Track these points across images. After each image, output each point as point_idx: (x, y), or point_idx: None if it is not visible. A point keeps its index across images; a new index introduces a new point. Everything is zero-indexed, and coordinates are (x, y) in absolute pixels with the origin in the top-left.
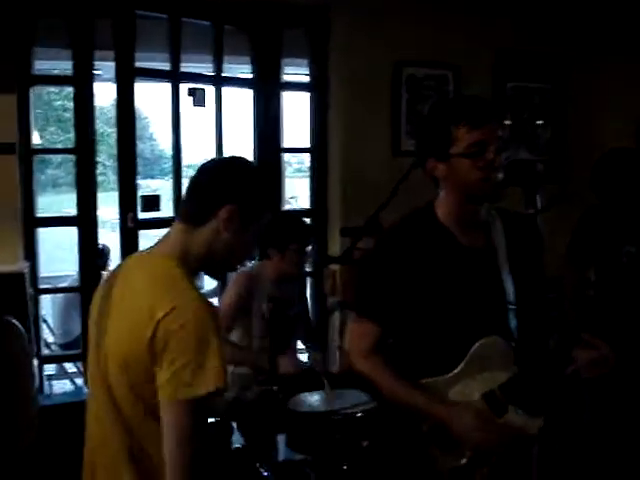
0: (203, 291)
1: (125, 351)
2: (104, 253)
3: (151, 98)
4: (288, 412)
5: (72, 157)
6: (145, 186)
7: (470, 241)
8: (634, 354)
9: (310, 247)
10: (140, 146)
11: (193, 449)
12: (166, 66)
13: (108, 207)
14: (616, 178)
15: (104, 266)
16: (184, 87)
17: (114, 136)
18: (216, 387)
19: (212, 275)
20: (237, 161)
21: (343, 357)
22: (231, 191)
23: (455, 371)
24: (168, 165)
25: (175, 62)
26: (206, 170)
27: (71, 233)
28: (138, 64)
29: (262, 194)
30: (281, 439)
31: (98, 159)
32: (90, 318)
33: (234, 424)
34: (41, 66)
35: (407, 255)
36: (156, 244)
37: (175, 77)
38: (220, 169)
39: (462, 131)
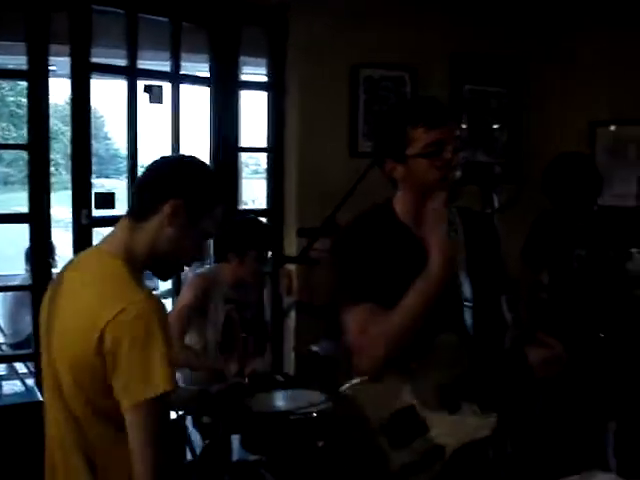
0: (158, 292)
1: (72, 353)
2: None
3: (107, 97)
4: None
5: (24, 155)
6: (99, 185)
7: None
8: (585, 356)
9: (269, 253)
10: (95, 145)
11: (160, 448)
12: (122, 63)
13: (61, 206)
14: (566, 182)
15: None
16: (141, 84)
17: (68, 134)
18: (167, 388)
19: (159, 275)
20: (184, 157)
21: (359, 358)
22: (176, 185)
23: (410, 366)
24: (123, 165)
25: (132, 58)
26: (152, 167)
27: (21, 232)
28: (94, 60)
29: (210, 188)
30: (235, 439)
31: (52, 157)
32: (40, 318)
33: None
34: None
35: (367, 247)
36: (102, 241)
37: (132, 73)
38: (166, 165)
39: (419, 132)
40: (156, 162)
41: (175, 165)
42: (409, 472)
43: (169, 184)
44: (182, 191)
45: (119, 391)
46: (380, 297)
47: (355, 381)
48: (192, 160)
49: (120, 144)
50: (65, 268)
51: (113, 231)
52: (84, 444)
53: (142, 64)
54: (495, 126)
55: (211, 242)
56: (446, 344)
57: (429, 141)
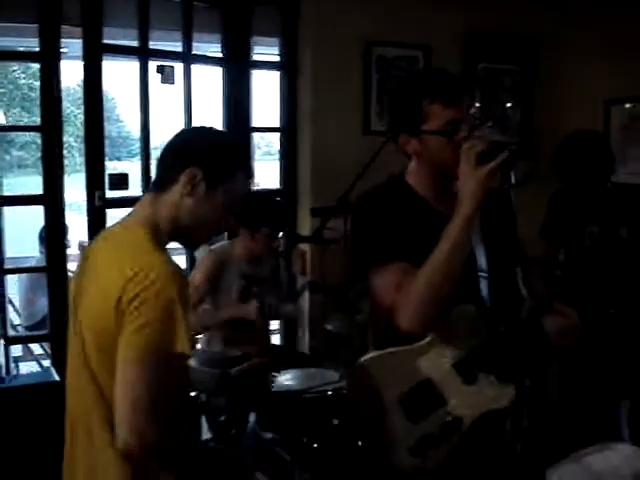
0: None
1: (96, 317)
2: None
3: (118, 79)
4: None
5: (37, 139)
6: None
7: (445, 209)
8: (595, 333)
9: (282, 231)
10: (107, 127)
11: (147, 415)
12: (134, 44)
13: (74, 189)
14: (578, 160)
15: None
16: (153, 65)
17: (81, 117)
18: (176, 350)
19: (186, 245)
20: (201, 127)
21: (400, 316)
22: (191, 154)
23: (426, 339)
24: (135, 147)
25: (144, 39)
26: (173, 138)
27: (35, 214)
28: (106, 41)
29: (227, 154)
30: (251, 418)
31: (65, 140)
32: (69, 291)
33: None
34: (5, 43)
35: (389, 213)
36: (126, 215)
37: (144, 54)
38: (183, 135)
39: (436, 108)
40: (177, 133)
41: (191, 135)
42: (427, 445)
43: (185, 153)
44: (198, 159)
45: (121, 344)
46: (409, 258)
47: (370, 355)
48: (208, 129)
49: (132, 126)
50: (92, 243)
51: (137, 205)
52: (107, 412)
53: (154, 44)
54: (509, 104)
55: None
56: (464, 315)
57: (446, 120)
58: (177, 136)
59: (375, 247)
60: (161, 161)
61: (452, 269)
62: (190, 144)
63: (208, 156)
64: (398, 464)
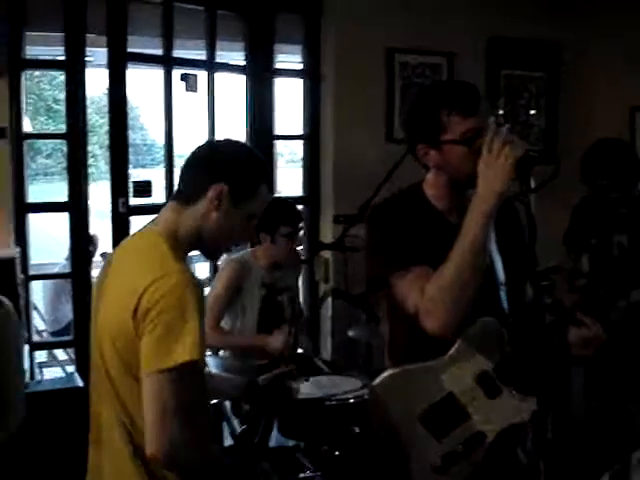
0: None
1: (113, 325)
2: (93, 241)
3: (142, 88)
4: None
5: (62, 147)
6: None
7: (459, 221)
8: (624, 343)
9: (301, 232)
10: (131, 135)
11: (178, 422)
12: (158, 52)
13: (99, 197)
14: (605, 168)
15: (93, 254)
16: (176, 73)
17: (105, 126)
18: (187, 359)
19: (207, 255)
20: (228, 141)
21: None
22: (220, 169)
23: (448, 354)
24: (159, 155)
25: (168, 47)
26: (198, 151)
27: (61, 222)
28: (130, 50)
29: (252, 170)
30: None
31: (89, 149)
32: (92, 296)
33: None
34: (32, 52)
35: (406, 220)
36: (149, 223)
37: (168, 62)
38: (209, 149)
39: (455, 118)
40: (202, 146)
41: (218, 150)
42: (451, 461)
43: (212, 169)
44: (225, 176)
45: (142, 357)
46: (429, 264)
47: (391, 372)
48: (234, 143)
49: (155, 134)
50: (114, 251)
51: (160, 213)
52: (127, 418)
53: (178, 53)
54: (532, 112)
55: None
56: (486, 328)
57: (465, 129)
58: (203, 149)
59: (396, 252)
60: (186, 174)
61: (474, 264)
62: (217, 160)
63: (235, 172)
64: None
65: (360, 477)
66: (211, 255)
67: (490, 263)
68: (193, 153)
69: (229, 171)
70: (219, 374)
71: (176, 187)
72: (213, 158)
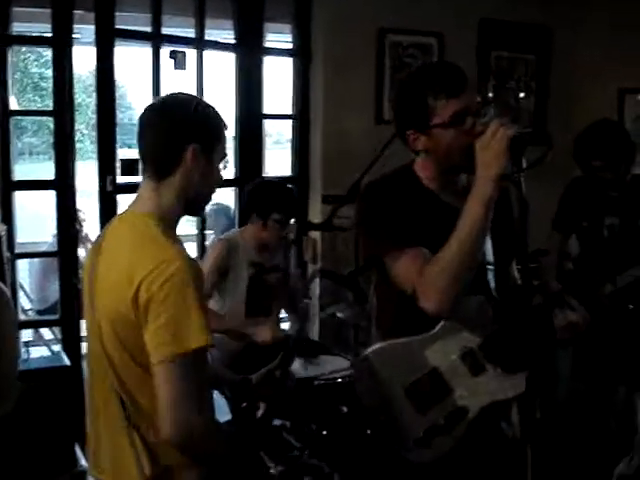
0: None
1: (113, 308)
2: (79, 220)
3: (130, 67)
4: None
5: (49, 125)
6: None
7: (454, 201)
8: (613, 327)
9: (293, 219)
10: (119, 115)
11: (189, 406)
12: (147, 29)
13: (86, 176)
14: (599, 150)
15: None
16: (165, 51)
17: (92, 106)
18: (199, 344)
19: (192, 214)
20: (171, 100)
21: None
22: (185, 132)
23: (434, 330)
24: None
25: (156, 24)
26: (149, 120)
27: (48, 200)
28: (118, 26)
29: (211, 118)
30: (261, 406)
31: (76, 128)
32: (83, 281)
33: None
34: (18, 28)
35: (401, 201)
36: (131, 204)
37: (156, 39)
38: (162, 114)
39: (442, 102)
40: (151, 114)
41: (171, 113)
42: (432, 435)
43: (176, 135)
44: (192, 135)
45: (150, 346)
46: (424, 244)
47: (377, 346)
48: (180, 100)
49: None
50: (103, 232)
51: (139, 193)
52: (124, 394)
53: (166, 30)
54: (522, 94)
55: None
56: (474, 306)
57: (452, 111)
58: (159, 115)
59: (391, 232)
60: (150, 145)
61: (474, 247)
62: (177, 123)
63: (199, 128)
64: (405, 453)
65: (348, 456)
66: (196, 212)
67: None
68: (146, 124)
69: (194, 129)
70: (213, 367)
71: (143, 162)
72: (173, 123)
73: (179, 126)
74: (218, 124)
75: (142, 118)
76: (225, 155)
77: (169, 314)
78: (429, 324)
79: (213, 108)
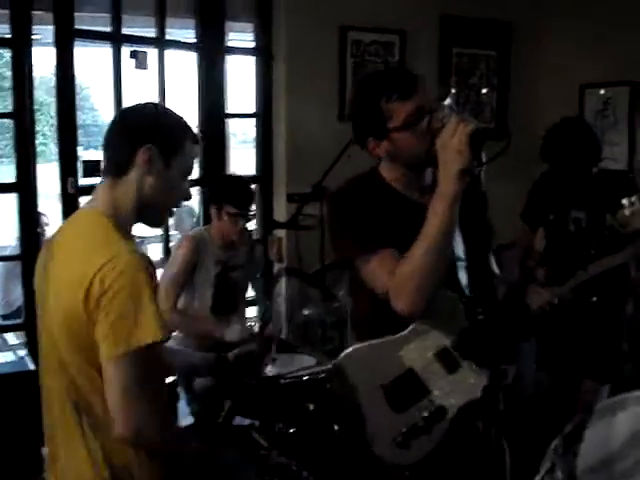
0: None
1: (65, 306)
2: (41, 224)
3: (92, 69)
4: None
5: (10, 126)
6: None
7: (421, 200)
8: (576, 319)
9: (250, 213)
10: (82, 117)
11: (141, 404)
12: (107, 29)
13: (48, 178)
14: (566, 148)
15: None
16: (126, 51)
17: (54, 106)
18: (153, 339)
19: (151, 224)
20: (140, 105)
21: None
22: (142, 132)
23: (408, 329)
24: None
25: (116, 24)
26: (114, 123)
27: (10, 204)
28: (78, 27)
29: (174, 126)
30: (227, 404)
31: (38, 129)
32: (35, 281)
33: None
34: None
35: (369, 204)
36: (86, 204)
37: (116, 39)
38: (126, 116)
39: (395, 105)
40: (115, 118)
41: (134, 115)
42: (412, 436)
43: (134, 134)
44: (149, 137)
45: (100, 342)
46: (394, 245)
47: (353, 347)
48: (148, 106)
49: (107, 116)
50: (55, 233)
51: (94, 193)
52: (78, 398)
53: (127, 30)
54: (484, 90)
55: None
56: (445, 303)
57: (407, 113)
58: (118, 119)
59: (361, 235)
60: (110, 145)
61: (443, 246)
62: (138, 124)
63: (158, 131)
64: (381, 455)
65: (315, 455)
66: (156, 222)
67: None
68: (110, 127)
69: (152, 131)
70: (186, 350)
71: (102, 163)
72: (132, 124)
73: (136, 126)
74: (180, 132)
75: (113, 119)
76: (189, 170)
77: (120, 310)
78: (404, 324)
79: (181, 118)
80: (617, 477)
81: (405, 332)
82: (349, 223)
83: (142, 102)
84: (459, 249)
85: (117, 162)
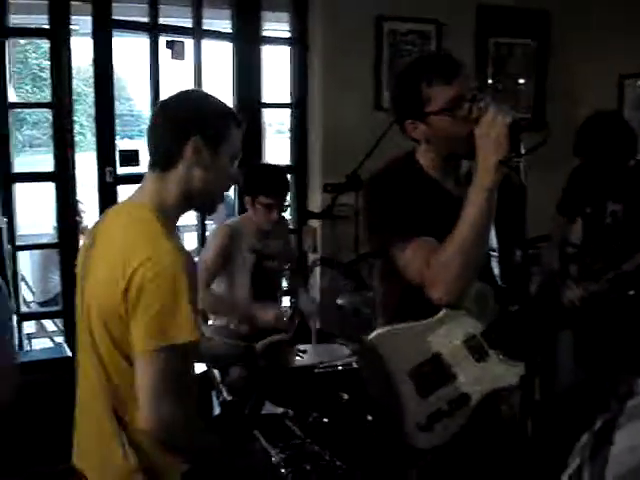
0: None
1: (103, 299)
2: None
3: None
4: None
5: (49, 116)
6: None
7: (456, 190)
8: (613, 313)
9: (285, 202)
10: (119, 107)
11: (170, 401)
12: (144, 19)
13: (87, 168)
14: (601, 142)
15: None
16: (163, 41)
17: (92, 96)
18: (187, 339)
19: (203, 211)
20: (180, 95)
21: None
22: (188, 124)
23: (438, 315)
24: (146, 125)
25: (154, 14)
26: (156, 116)
27: (47, 192)
28: (115, 17)
29: (220, 114)
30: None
31: (75, 118)
32: (77, 269)
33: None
34: (16, 20)
35: (405, 191)
36: (132, 195)
37: (154, 29)
38: (168, 108)
39: (436, 89)
40: (157, 110)
41: (176, 106)
42: (435, 420)
43: (180, 126)
44: (195, 128)
45: (134, 336)
46: (430, 234)
47: (381, 330)
48: (189, 95)
49: (142, 106)
50: (98, 222)
51: (141, 185)
52: (110, 388)
53: (164, 20)
54: (521, 80)
55: None
56: (478, 293)
57: (448, 98)
58: (164, 109)
59: (397, 224)
60: (155, 138)
61: (480, 237)
62: (182, 116)
63: (203, 121)
64: (407, 439)
65: (349, 445)
66: (208, 210)
67: None
68: (152, 119)
69: (197, 122)
70: (215, 338)
71: (148, 155)
72: (176, 116)
73: (181, 119)
74: (225, 119)
75: (152, 114)
76: (237, 154)
77: (157, 307)
78: (433, 310)
79: (223, 104)
80: None
81: (435, 318)
82: (385, 210)
83: (182, 90)
84: (492, 240)
85: (164, 156)
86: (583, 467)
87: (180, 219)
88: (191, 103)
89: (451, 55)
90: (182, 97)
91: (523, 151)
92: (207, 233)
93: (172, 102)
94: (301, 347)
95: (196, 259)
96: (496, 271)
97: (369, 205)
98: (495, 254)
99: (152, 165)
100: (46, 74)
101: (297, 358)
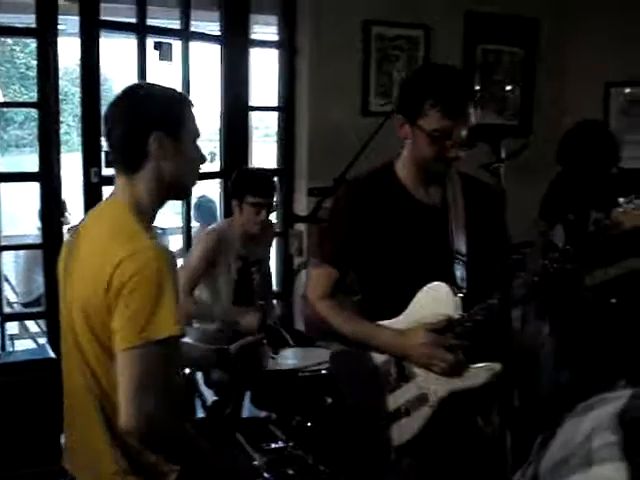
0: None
1: (85, 299)
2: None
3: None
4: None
5: (35, 116)
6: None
7: (426, 198)
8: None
9: (272, 204)
10: (105, 107)
11: (152, 396)
12: (132, 20)
13: (72, 168)
14: (584, 150)
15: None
16: (150, 42)
17: (79, 97)
18: (169, 334)
19: (178, 198)
20: (129, 93)
21: (305, 305)
22: (147, 121)
23: (399, 317)
24: None
25: (141, 15)
26: (112, 118)
27: (32, 192)
28: (103, 17)
29: (174, 104)
30: (245, 396)
31: (62, 118)
32: (58, 269)
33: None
34: (2, 19)
35: (365, 207)
36: (109, 197)
37: (141, 30)
38: (122, 110)
39: (435, 115)
40: (111, 113)
41: (131, 105)
42: (394, 418)
43: (139, 126)
44: (154, 123)
45: (116, 333)
46: (395, 242)
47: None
48: (139, 90)
49: None
50: (79, 223)
51: (115, 189)
52: (97, 388)
53: (152, 21)
54: (508, 87)
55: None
56: (434, 293)
57: (439, 127)
58: (117, 113)
59: (327, 244)
60: (116, 143)
61: (357, 341)
62: (139, 115)
63: (161, 116)
64: (374, 435)
65: (332, 447)
66: (183, 196)
67: (449, 234)
68: (107, 124)
69: (153, 118)
70: (189, 342)
71: (112, 157)
72: (132, 117)
73: (137, 119)
74: (177, 105)
75: (106, 115)
76: (197, 133)
77: (139, 303)
78: (397, 311)
79: (171, 90)
80: (565, 474)
81: (395, 319)
82: (332, 227)
83: (126, 89)
84: (460, 245)
85: (130, 159)
86: (530, 464)
87: (165, 222)
88: (142, 100)
89: (469, 90)
90: (130, 96)
91: (504, 155)
92: (192, 234)
93: (122, 104)
94: (284, 352)
95: (180, 261)
96: (459, 274)
97: (330, 214)
98: (462, 258)
99: (120, 169)
100: (34, 74)
101: (270, 360)
